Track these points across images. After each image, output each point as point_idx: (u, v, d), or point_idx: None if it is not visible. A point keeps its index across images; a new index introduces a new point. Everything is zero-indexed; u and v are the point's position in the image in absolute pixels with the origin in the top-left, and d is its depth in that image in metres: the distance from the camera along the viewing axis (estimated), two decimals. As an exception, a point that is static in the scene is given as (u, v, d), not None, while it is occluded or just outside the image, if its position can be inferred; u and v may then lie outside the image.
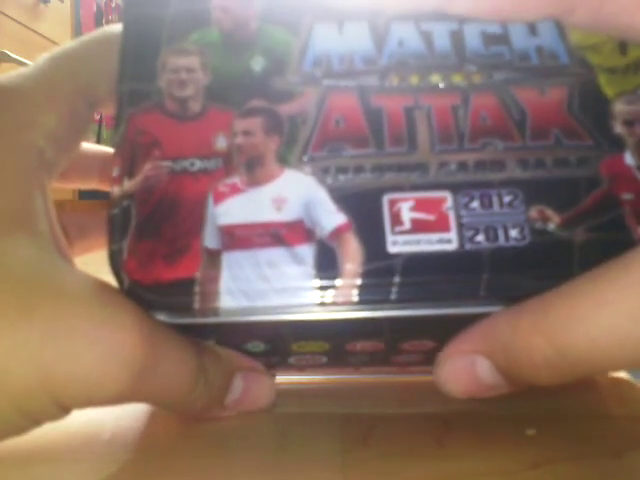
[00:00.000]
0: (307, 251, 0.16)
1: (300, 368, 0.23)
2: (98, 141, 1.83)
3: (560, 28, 0.18)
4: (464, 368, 0.17)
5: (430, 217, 0.16)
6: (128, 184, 0.17)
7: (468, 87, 0.18)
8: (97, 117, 1.69)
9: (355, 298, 0.16)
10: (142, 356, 0.16)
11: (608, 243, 0.16)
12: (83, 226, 0.26)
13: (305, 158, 0.17)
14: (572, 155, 0.17)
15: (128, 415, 0.21)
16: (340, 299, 0.16)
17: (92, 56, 0.20)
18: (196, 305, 0.16)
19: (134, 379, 0.16)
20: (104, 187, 0.27)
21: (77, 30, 1.84)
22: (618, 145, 0.17)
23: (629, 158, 0.17)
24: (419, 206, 0.16)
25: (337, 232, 0.16)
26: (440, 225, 0.16)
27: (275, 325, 0.17)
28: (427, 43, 0.18)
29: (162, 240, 0.16)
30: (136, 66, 0.18)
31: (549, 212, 0.16)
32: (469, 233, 0.16)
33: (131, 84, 0.18)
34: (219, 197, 0.17)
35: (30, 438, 0.17)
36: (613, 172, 0.17)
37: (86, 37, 0.21)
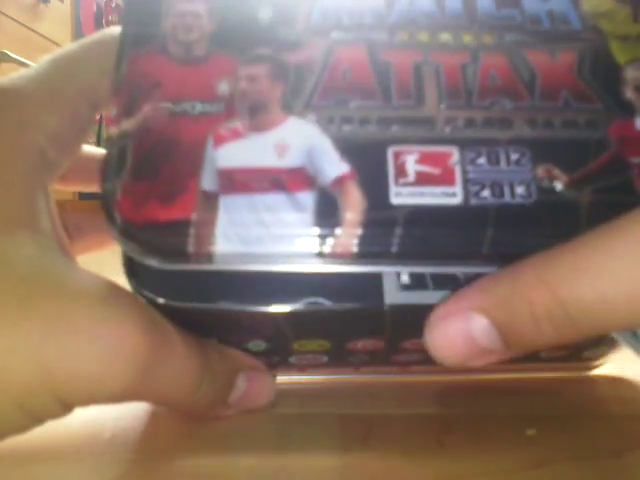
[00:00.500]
0: (308, 198, 0.15)
1: (301, 368, 0.23)
2: (98, 141, 1.82)
3: None
4: (459, 328, 0.16)
5: (435, 170, 0.16)
6: (126, 123, 0.16)
7: (478, 47, 0.17)
8: (97, 117, 1.69)
9: (354, 248, 0.15)
10: (145, 353, 0.16)
11: (615, 205, 0.15)
12: (82, 226, 0.26)
13: (310, 106, 0.16)
14: (581, 117, 0.17)
15: (129, 415, 0.21)
16: (339, 249, 0.15)
17: (93, 57, 0.20)
18: (190, 248, 0.15)
19: (137, 377, 0.16)
20: None
21: (77, 30, 1.84)
22: (629, 110, 0.17)
23: None
24: (424, 159, 0.16)
25: (339, 181, 0.16)
26: (445, 179, 0.16)
27: (276, 320, 0.17)
28: (438, 3, 0.18)
29: (158, 180, 0.16)
30: (140, 9, 0.18)
31: (556, 171, 0.16)
32: (475, 188, 0.16)
33: (135, 27, 0.18)
34: (219, 140, 0.16)
35: (31, 437, 0.17)
36: (622, 136, 0.17)
37: (87, 39, 0.21)
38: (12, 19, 1.52)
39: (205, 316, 0.18)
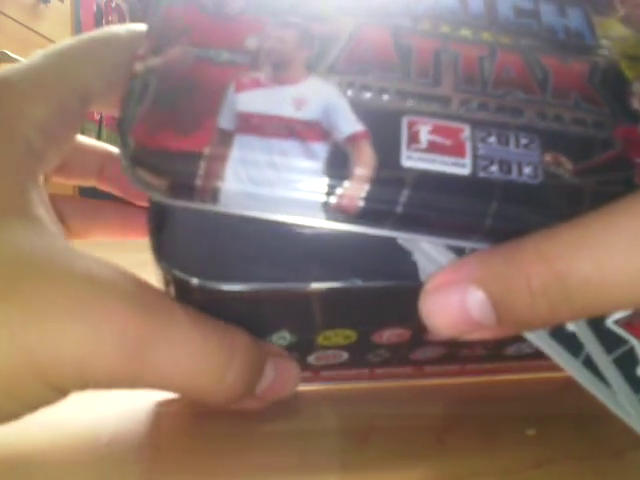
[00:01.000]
0: (321, 149, 0.16)
1: (315, 372, 0.23)
2: (98, 138, 1.83)
3: (588, 16, 0.19)
4: (454, 298, 0.15)
5: (447, 142, 0.16)
6: (152, 61, 0.17)
7: (495, 44, 0.18)
8: (97, 117, 1.69)
9: (360, 203, 0.15)
10: (136, 334, 0.15)
11: (616, 195, 0.16)
12: (84, 216, 0.26)
13: (332, 70, 0.17)
14: (589, 117, 0.17)
15: (129, 416, 0.21)
16: (345, 201, 0.15)
17: (86, 53, 0.20)
18: (198, 181, 0.15)
19: (129, 359, 0.16)
20: (103, 186, 0.27)
21: (77, 30, 1.83)
22: (634, 118, 0.18)
23: None
24: (437, 130, 0.16)
25: (353, 138, 0.16)
26: (456, 150, 0.16)
27: (309, 302, 0.17)
28: (461, 3, 0.19)
29: (177, 112, 0.16)
30: None
31: (563, 159, 0.16)
32: (483, 162, 0.16)
33: None
34: (240, 87, 0.16)
35: (30, 438, 0.17)
36: (627, 138, 0.17)
37: (83, 35, 0.21)
38: (12, 19, 1.52)
39: (235, 301, 0.18)
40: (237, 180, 0.15)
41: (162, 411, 0.22)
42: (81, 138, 0.25)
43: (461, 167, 0.16)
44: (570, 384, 0.17)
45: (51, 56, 0.20)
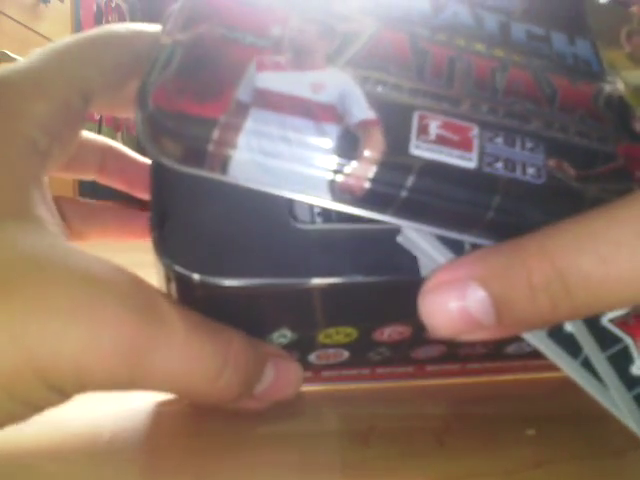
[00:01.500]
0: (333, 130, 0.16)
1: (316, 372, 0.23)
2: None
3: (596, 48, 0.20)
4: (453, 297, 0.15)
5: (455, 137, 0.17)
6: (179, 35, 0.17)
7: (507, 60, 0.19)
8: (97, 117, 1.69)
9: (366, 184, 0.16)
10: (134, 336, 0.15)
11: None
12: (86, 218, 0.26)
13: (350, 64, 0.17)
14: (593, 132, 0.18)
15: (128, 415, 0.21)
16: (352, 181, 0.16)
17: (86, 52, 0.20)
18: (210, 147, 0.15)
19: (125, 360, 0.16)
20: (103, 180, 0.27)
21: (77, 30, 1.83)
22: (637, 139, 0.18)
23: None
24: (447, 126, 0.17)
25: (365, 123, 0.16)
26: (463, 145, 0.17)
27: (311, 298, 0.18)
28: (478, 22, 0.20)
29: (198, 81, 0.16)
30: None
31: (566, 165, 0.17)
32: (489, 159, 0.16)
33: None
34: (262, 66, 0.17)
35: (30, 438, 0.17)
36: (629, 154, 0.18)
37: (82, 34, 0.21)
38: (12, 19, 1.52)
39: (236, 297, 0.18)
40: (248, 150, 0.16)
41: (162, 411, 0.22)
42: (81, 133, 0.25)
43: (467, 160, 0.16)
44: (570, 384, 0.17)
45: (52, 54, 0.20)
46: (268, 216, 0.17)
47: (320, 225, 0.18)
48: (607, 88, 0.19)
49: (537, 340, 0.17)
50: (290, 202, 0.18)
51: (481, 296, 0.15)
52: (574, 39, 0.21)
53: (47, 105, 0.18)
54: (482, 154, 0.16)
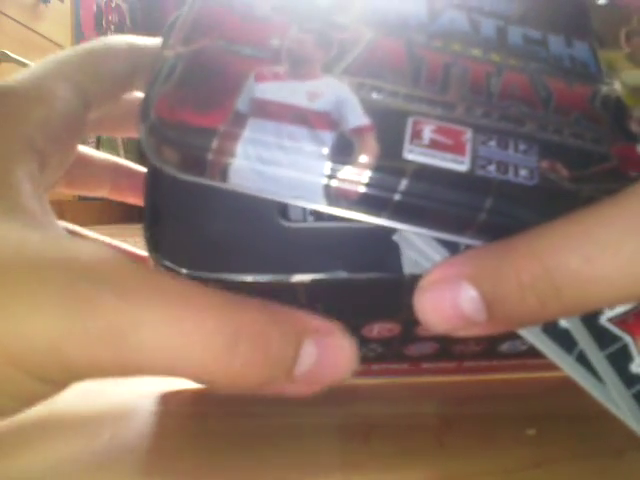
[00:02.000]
0: (328, 136, 0.17)
1: None
2: (98, 144, 1.83)
3: (594, 50, 0.21)
4: (446, 295, 0.15)
5: (448, 141, 0.17)
6: (181, 48, 0.18)
7: (503, 64, 0.19)
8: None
9: (361, 189, 0.16)
10: (109, 313, 0.15)
11: None
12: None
13: (346, 72, 0.18)
14: (588, 133, 0.18)
15: (128, 415, 0.21)
16: (346, 185, 0.16)
17: (83, 60, 0.21)
18: (210, 156, 0.16)
19: (106, 342, 0.15)
20: (114, 196, 0.28)
21: (77, 30, 1.83)
22: (632, 139, 0.18)
23: None
24: (440, 131, 0.17)
25: (360, 129, 0.17)
26: (456, 149, 0.17)
27: (295, 295, 0.18)
28: (474, 28, 0.20)
29: (198, 92, 0.17)
30: None
31: (559, 166, 0.17)
32: (482, 162, 0.17)
33: None
34: (260, 78, 0.17)
35: (30, 438, 0.17)
36: (624, 155, 0.18)
37: (81, 45, 0.22)
38: (12, 19, 1.52)
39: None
40: (246, 158, 0.16)
41: (162, 411, 0.22)
42: (92, 152, 0.27)
43: (460, 164, 0.17)
44: (569, 383, 0.17)
45: (51, 64, 0.20)
46: (257, 214, 0.18)
47: (307, 223, 0.19)
48: (604, 89, 0.20)
49: (531, 335, 0.17)
50: (279, 201, 0.18)
51: (472, 295, 0.15)
52: (572, 41, 0.21)
53: (45, 108, 0.19)
54: (475, 157, 0.17)
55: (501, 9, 0.21)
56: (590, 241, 0.14)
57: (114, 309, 0.15)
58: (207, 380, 0.17)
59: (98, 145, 1.84)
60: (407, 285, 0.18)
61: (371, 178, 0.16)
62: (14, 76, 0.20)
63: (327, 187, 0.16)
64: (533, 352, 0.17)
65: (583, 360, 0.17)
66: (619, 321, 0.17)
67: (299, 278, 0.18)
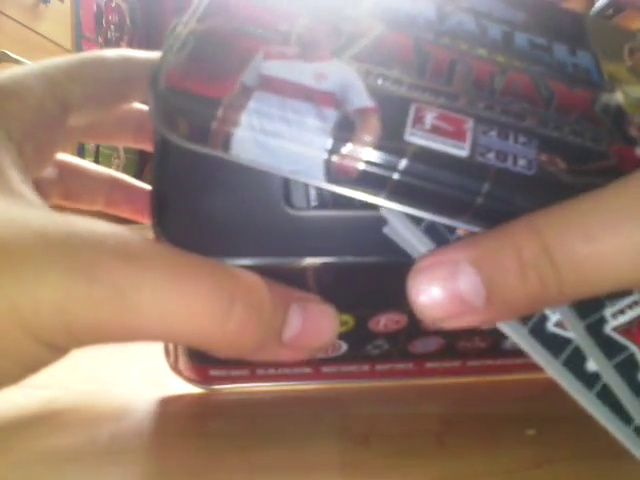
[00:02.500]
0: (331, 114, 0.17)
1: (316, 368, 0.23)
2: (97, 151, 1.84)
3: (596, 60, 0.21)
4: (444, 276, 0.15)
5: (450, 128, 0.17)
6: (194, 26, 0.18)
7: (508, 65, 0.20)
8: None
9: (360, 166, 0.16)
10: (110, 274, 0.15)
11: None
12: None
13: (354, 58, 0.18)
14: (587, 132, 0.18)
15: (128, 415, 0.21)
16: (346, 162, 0.16)
17: (72, 67, 0.21)
18: (214, 124, 0.16)
19: (109, 303, 0.15)
20: (110, 210, 0.28)
21: (77, 30, 1.83)
22: (631, 142, 0.19)
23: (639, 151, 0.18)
24: (442, 118, 0.17)
25: (363, 110, 0.17)
26: (457, 135, 0.17)
27: (304, 280, 0.18)
28: (481, 30, 0.21)
29: (207, 65, 0.17)
30: None
31: (558, 160, 0.17)
32: (481, 149, 0.17)
33: None
34: (268, 56, 0.18)
35: (30, 437, 0.17)
36: (622, 155, 0.18)
37: (75, 54, 0.22)
38: (12, 19, 1.52)
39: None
40: (250, 129, 0.17)
41: (162, 411, 0.22)
42: (87, 164, 0.27)
43: (460, 149, 0.17)
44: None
45: (37, 65, 0.21)
46: (264, 202, 0.19)
47: (314, 211, 0.19)
48: (605, 96, 0.20)
49: (519, 337, 0.17)
50: (286, 189, 0.19)
51: (472, 275, 0.15)
52: (575, 51, 0.21)
53: (19, 103, 0.19)
54: (475, 145, 0.17)
55: (509, 17, 0.22)
56: (590, 221, 0.14)
57: (115, 273, 0.15)
58: (204, 343, 0.17)
59: (98, 147, 1.84)
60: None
61: (371, 156, 0.16)
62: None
63: (327, 163, 0.17)
64: None
65: (570, 365, 0.17)
66: (623, 330, 0.17)
67: (309, 262, 0.18)
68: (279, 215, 0.18)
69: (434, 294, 0.15)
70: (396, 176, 0.16)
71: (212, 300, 0.16)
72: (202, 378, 0.24)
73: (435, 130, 0.17)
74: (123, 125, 0.27)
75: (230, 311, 0.16)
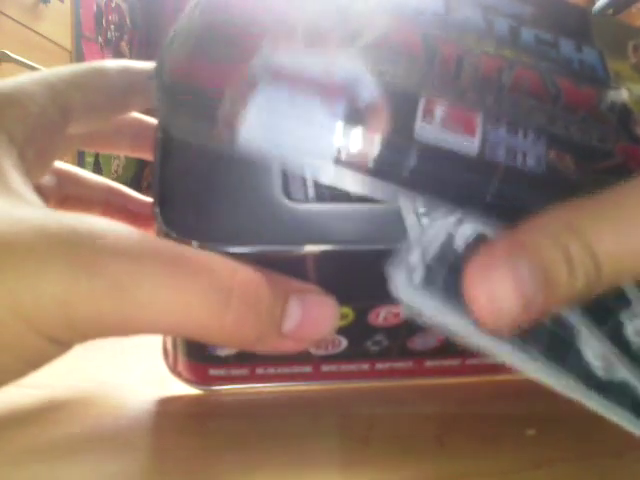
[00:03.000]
0: (340, 106, 0.17)
1: (316, 366, 0.23)
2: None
3: (602, 57, 0.21)
4: (510, 277, 0.15)
5: (459, 122, 0.17)
6: (198, 18, 0.18)
7: (515, 60, 0.20)
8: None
9: (369, 160, 0.16)
10: (110, 269, 0.16)
11: None
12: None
13: (362, 51, 0.18)
14: (594, 132, 0.19)
15: (128, 415, 0.21)
16: (355, 158, 0.16)
17: (74, 75, 0.22)
18: (220, 117, 0.16)
19: (110, 297, 0.16)
20: (107, 216, 0.29)
21: (77, 30, 1.83)
22: (636, 141, 0.19)
23: None
24: (452, 112, 0.17)
25: (373, 104, 0.17)
26: (467, 130, 0.17)
27: (302, 262, 0.18)
28: (488, 25, 0.21)
29: (213, 54, 0.17)
30: None
31: (567, 158, 0.18)
32: (491, 145, 0.17)
33: None
34: (275, 48, 0.18)
35: (30, 437, 0.17)
36: (627, 154, 0.18)
37: (77, 64, 0.23)
38: (12, 19, 1.52)
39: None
40: (256, 121, 0.16)
41: (162, 411, 0.22)
42: (85, 173, 0.28)
43: (470, 144, 0.17)
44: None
45: (39, 72, 0.21)
46: (263, 194, 0.19)
47: (311, 204, 0.19)
48: (611, 93, 0.20)
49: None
50: (285, 182, 0.19)
51: (532, 271, 0.15)
52: (581, 47, 0.21)
53: (20, 108, 0.20)
54: (484, 140, 0.17)
55: (515, 12, 0.22)
56: (625, 215, 0.15)
57: (116, 267, 0.16)
58: (203, 335, 0.18)
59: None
60: None
61: (380, 152, 0.16)
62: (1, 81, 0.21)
63: (336, 157, 0.16)
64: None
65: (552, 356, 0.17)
66: None
67: (309, 249, 0.18)
68: (277, 207, 0.19)
69: (502, 294, 0.15)
70: (405, 173, 0.16)
71: (209, 294, 0.17)
72: (201, 379, 0.24)
73: (445, 124, 0.17)
74: (121, 134, 0.27)
75: (227, 305, 0.17)
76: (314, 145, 0.17)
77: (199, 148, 0.18)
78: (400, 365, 0.24)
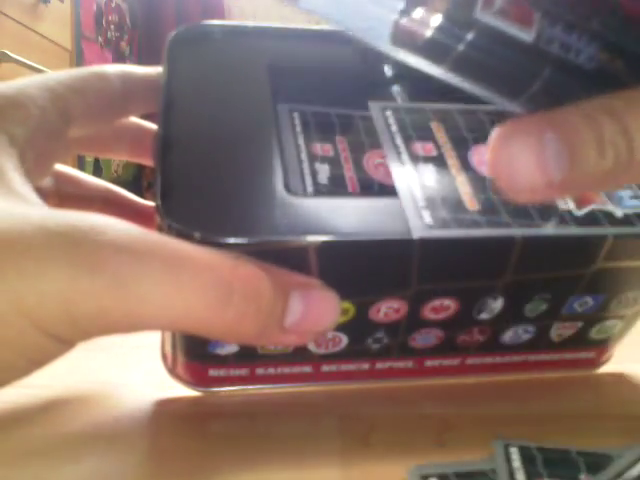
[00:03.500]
0: None
1: (316, 366, 0.23)
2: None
3: None
4: (533, 145, 0.15)
5: (518, 14, 0.17)
6: None
7: None
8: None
9: (428, 32, 0.16)
10: (110, 267, 0.16)
11: None
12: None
13: None
14: None
15: (128, 415, 0.21)
16: (415, 26, 0.16)
17: (74, 79, 0.22)
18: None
19: (112, 293, 0.16)
20: (107, 214, 0.29)
21: (77, 30, 1.83)
22: None
23: None
24: (511, 3, 0.17)
25: None
26: (525, 21, 0.17)
27: (303, 253, 0.18)
28: None
29: None
30: None
31: (619, 62, 0.18)
32: (546, 38, 0.17)
33: None
34: None
35: (30, 438, 0.17)
36: None
37: (77, 68, 0.23)
38: (12, 19, 1.52)
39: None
40: None
41: (162, 411, 0.22)
42: (84, 176, 0.28)
43: (526, 33, 0.17)
44: (569, 384, 0.17)
45: (40, 76, 0.22)
46: (265, 188, 0.19)
47: (310, 198, 0.19)
48: None
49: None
50: (285, 177, 0.20)
51: (558, 146, 0.15)
52: None
53: (22, 110, 0.20)
54: (541, 32, 0.17)
55: None
56: None
57: (117, 264, 0.16)
58: (206, 330, 0.18)
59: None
60: (416, 251, 0.19)
61: (440, 24, 0.16)
62: (3, 83, 0.21)
63: (396, 24, 0.16)
64: (533, 345, 0.17)
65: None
66: None
67: (310, 239, 0.18)
68: (278, 200, 0.19)
69: (522, 162, 0.15)
70: (461, 47, 0.17)
71: (210, 289, 0.17)
72: (201, 380, 0.23)
73: (504, 12, 0.17)
74: (120, 138, 0.28)
75: (228, 300, 0.17)
76: (375, 7, 0.16)
77: (201, 143, 0.18)
78: (400, 365, 0.24)
